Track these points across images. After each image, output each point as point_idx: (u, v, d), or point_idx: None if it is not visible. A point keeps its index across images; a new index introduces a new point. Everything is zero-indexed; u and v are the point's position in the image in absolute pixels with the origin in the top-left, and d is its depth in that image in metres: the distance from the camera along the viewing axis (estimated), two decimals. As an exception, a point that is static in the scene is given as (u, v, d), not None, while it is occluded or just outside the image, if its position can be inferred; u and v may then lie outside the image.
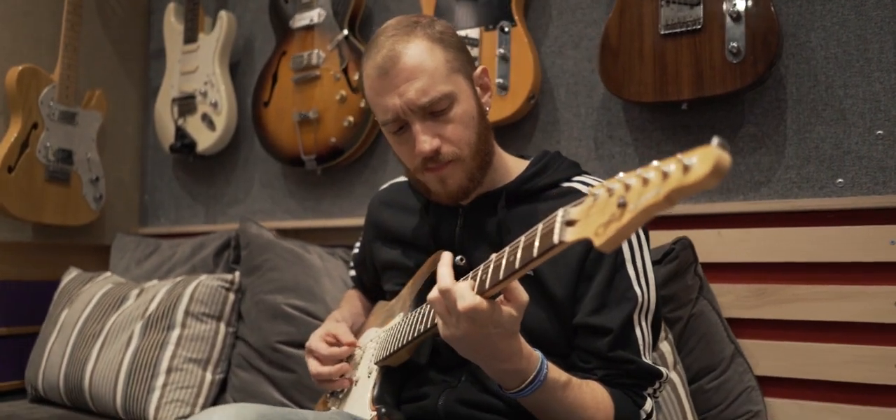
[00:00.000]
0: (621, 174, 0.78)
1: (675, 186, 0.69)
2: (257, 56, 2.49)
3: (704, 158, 0.64)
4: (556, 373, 1.06)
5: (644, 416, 1.17)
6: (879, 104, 1.51)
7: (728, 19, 1.54)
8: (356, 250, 1.64)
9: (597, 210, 0.80)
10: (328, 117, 2.15)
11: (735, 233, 1.60)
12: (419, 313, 1.17)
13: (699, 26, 1.57)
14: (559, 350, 1.19)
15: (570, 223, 0.84)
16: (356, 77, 2.10)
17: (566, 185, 1.27)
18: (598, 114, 1.83)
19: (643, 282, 1.19)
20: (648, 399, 1.17)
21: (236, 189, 2.52)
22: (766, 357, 1.54)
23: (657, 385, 1.18)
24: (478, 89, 1.25)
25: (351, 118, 2.10)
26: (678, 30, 1.59)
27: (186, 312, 1.91)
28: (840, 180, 1.53)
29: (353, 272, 1.67)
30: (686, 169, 0.66)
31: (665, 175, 0.70)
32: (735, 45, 1.52)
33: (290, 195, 2.38)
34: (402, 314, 1.30)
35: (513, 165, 1.31)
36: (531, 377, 1.03)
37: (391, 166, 2.16)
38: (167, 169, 2.71)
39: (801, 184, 1.58)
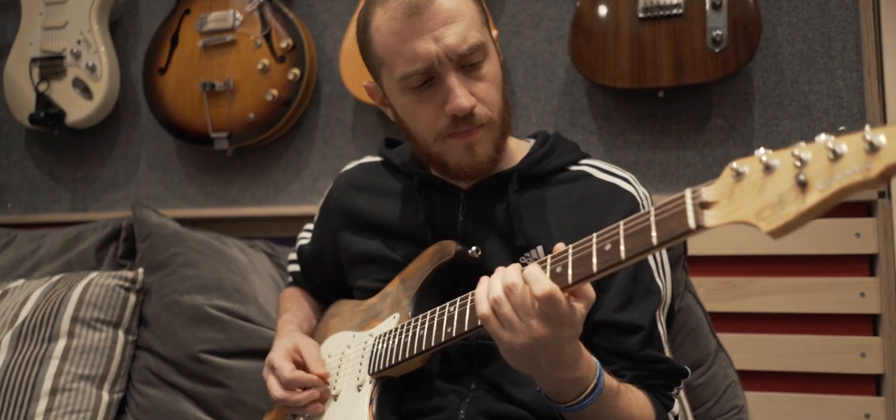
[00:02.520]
0: (764, 151, 0.68)
1: (892, 162, 0.59)
2: (144, 15, 2.12)
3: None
4: (609, 379, 0.94)
5: (672, 418, 1.08)
6: (842, 100, 1.56)
7: (708, 6, 1.51)
8: (303, 241, 1.40)
9: (748, 189, 0.69)
10: (245, 89, 1.86)
11: (705, 225, 1.57)
12: (444, 315, 0.99)
13: (680, 12, 1.52)
14: None
15: (704, 205, 0.72)
16: (282, 45, 1.83)
17: (574, 168, 1.15)
18: (560, 99, 1.73)
19: (662, 274, 1.11)
20: (675, 400, 1.09)
21: (115, 171, 2.12)
22: (738, 350, 1.53)
23: (682, 384, 1.10)
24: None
25: (275, 92, 1.83)
26: (657, 14, 1.53)
27: (74, 319, 1.54)
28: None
29: (294, 267, 1.43)
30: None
31: (872, 147, 0.60)
32: (718, 33, 1.49)
33: (189, 179, 2.04)
34: (395, 315, 1.11)
35: (514, 146, 1.17)
36: (591, 387, 0.91)
37: (318, 149, 1.92)
38: (18, 144, 2.23)
39: (769, 177, 1.59)
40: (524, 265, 1.09)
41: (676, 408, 1.08)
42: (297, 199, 1.93)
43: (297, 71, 1.82)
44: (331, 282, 1.34)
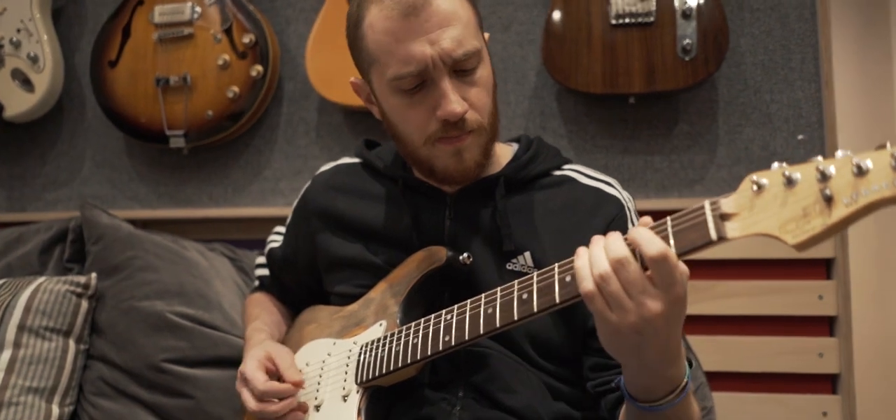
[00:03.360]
0: (778, 165, 0.69)
1: (920, 179, 0.61)
2: (89, 4, 2.00)
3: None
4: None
5: (703, 412, 1.09)
6: (801, 110, 1.62)
7: (679, 16, 1.54)
8: (274, 244, 1.35)
9: (769, 202, 0.70)
10: (204, 86, 1.78)
11: (672, 230, 1.60)
12: (441, 323, 0.96)
13: (651, 20, 1.54)
14: (563, 356, 1.07)
15: (724, 217, 0.72)
16: (245, 40, 1.76)
17: (558, 173, 1.16)
18: (530, 102, 1.73)
19: None
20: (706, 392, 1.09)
21: (57, 168, 1.99)
22: (703, 352, 1.56)
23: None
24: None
25: (236, 89, 1.76)
26: (628, 21, 1.55)
27: (21, 327, 1.44)
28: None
29: (262, 271, 1.38)
30: None
31: (897, 161, 0.62)
32: (688, 42, 1.52)
33: (140, 178, 1.94)
34: (382, 323, 1.08)
35: (498, 150, 1.16)
36: (682, 385, 0.83)
37: (280, 149, 1.86)
38: (-55, 139, 2.07)
39: (732, 182, 1.63)
40: (510, 271, 1.08)
41: (711, 402, 1.08)
42: (257, 200, 1.87)
43: (260, 68, 1.75)
44: (304, 287, 1.29)
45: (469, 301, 0.94)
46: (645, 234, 0.73)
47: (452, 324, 0.95)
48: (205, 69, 1.78)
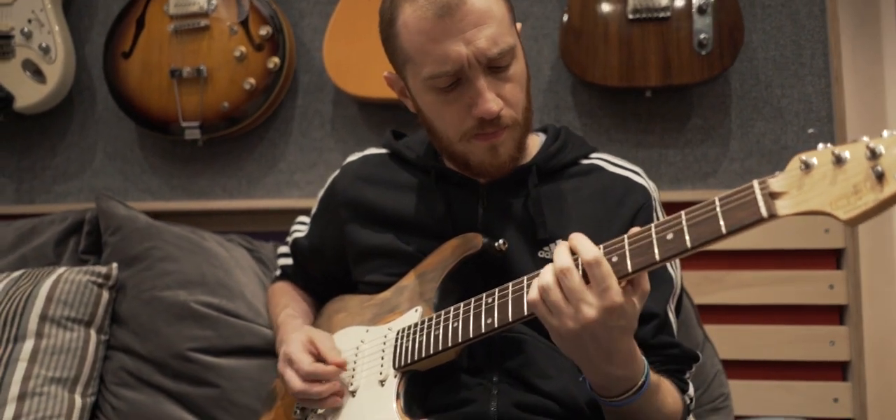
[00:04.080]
0: (830, 145, 0.72)
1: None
2: (100, -5, 1.99)
3: None
4: (654, 375, 0.96)
5: (689, 401, 1.12)
6: (811, 105, 1.65)
7: (695, 10, 1.57)
8: (299, 234, 1.36)
9: (819, 181, 0.73)
10: (220, 77, 1.78)
11: (686, 221, 1.64)
12: (482, 306, 0.98)
13: (668, 14, 1.57)
14: None
15: (773, 195, 0.75)
16: (261, 33, 1.76)
17: (585, 162, 1.18)
18: (545, 96, 1.76)
19: (674, 264, 1.14)
20: (690, 383, 1.13)
21: (67, 160, 1.98)
22: (716, 340, 1.60)
23: (693, 368, 1.14)
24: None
25: (252, 81, 1.76)
26: (645, 16, 1.58)
27: (43, 317, 1.43)
28: (778, 173, 1.65)
29: (285, 261, 1.39)
30: None
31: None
32: (704, 36, 1.55)
33: (153, 171, 1.93)
34: (417, 309, 1.10)
35: (528, 140, 1.18)
36: (640, 383, 0.92)
37: (295, 141, 1.86)
38: (-48, 130, 2.05)
39: (745, 175, 1.67)
40: (542, 258, 1.10)
41: (691, 391, 1.12)
42: (272, 192, 1.87)
43: (277, 59, 1.76)
44: (330, 277, 1.30)
45: (510, 283, 0.96)
46: (582, 242, 0.83)
47: (494, 306, 0.97)
48: (221, 61, 1.78)
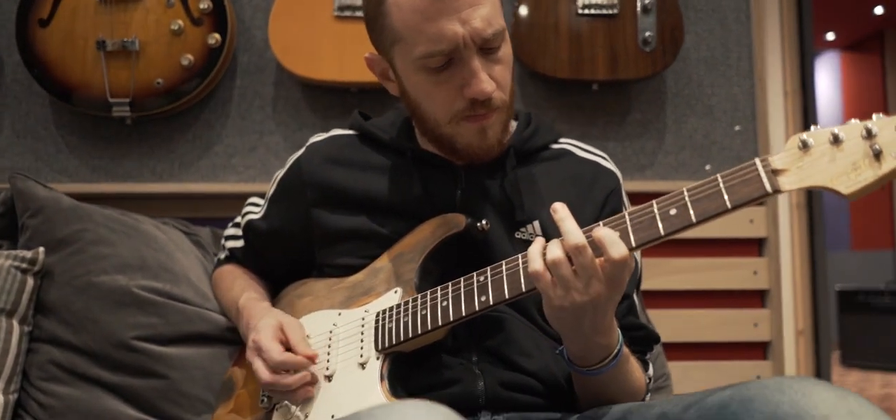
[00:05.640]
0: (817, 127, 0.79)
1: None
2: (8, -44, 1.82)
3: None
4: (625, 347, 1.00)
5: (649, 380, 1.18)
6: (737, 104, 1.78)
7: (639, 9, 1.65)
8: (253, 216, 1.30)
9: (818, 158, 0.79)
10: (154, 52, 1.67)
11: (625, 211, 1.72)
12: (473, 285, 0.99)
13: (615, 12, 1.64)
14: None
15: (775, 172, 0.81)
16: (201, 7, 1.67)
17: (555, 146, 1.22)
18: (492, 86, 1.78)
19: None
20: (650, 364, 1.19)
21: (-33, 137, 1.79)
22: (655, 324, 1.69)
23: (653, 349, 1.20)
24: None
25: (191, 57, 1.67)
26: (594, 12, 1.64)
27: (-41, 306, 1.29)
28: (708, 166, 1.77)
29: (236, 243, 1.33)
30: None
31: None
32: (649, 34, 1.63)
33: (70, 150, 1.78)
34: (396, 290, 1.09)
35: None
36: (615, 352, 0.96)
37: (233, 123, 1.78)
38: None
39: (678, 168, 1.77)
40: (520, 239, 1.12)
41: (651, 370, 1.18)
42: (207, 175, 1.78)
43: (217, 36, 1.67)
44: (289, 261, 1.26)
45: (504, 262, 0.97)
46: (611, 237, 0.85)
47: (488, 284, 0.97)
48: (155, 34, 1.67)
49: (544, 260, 0.87)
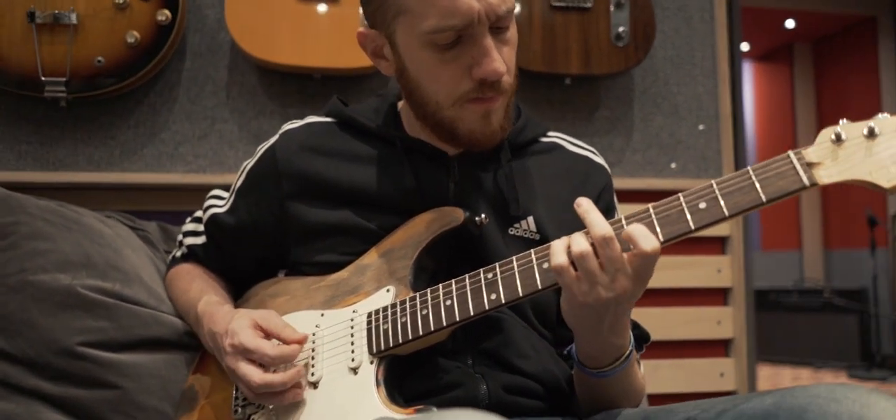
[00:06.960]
0: (846, 121, 0.78)
1: None
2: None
3: None
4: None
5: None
6: (702, 103, 1.80)
7: (613, 5, 1.63)
8: (216, 210, 1.19)
9: (853, 152, 0.77)
10: (95, 27, 1.51)
11: (592, 208, 1.71)
12: (481, 282, 0.93)
13: (589, 5, 1.62)
14: (548, 320, 1.09)
15: (810, 165, 0.79)
16: (149, -21, 1.53)
17: (545, 140, 1.18)
18: (461, 78, 1.72)
19: None
20: (641, 364, 1.17)
21: None
22: (622, 323, 1.68)
23: (644, 348, 1.18)
24: None
25: (137, 35, 1.52)
26: (568, 5, 1.61)
27: None
28: (673, 164, 1.77)
29: (195, 240, 1.22)
30: None
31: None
32: (622, 29, 1.62)
33: (-6, 134, 1.60)
34: (388, 289, 1.01)
35: None
36: (626, 354, 0.93)
37: (182, 108, 1.64)
38: None
39: (645, 165, 1.77)
40: (514, 236, 1.07)
41: (643, 369, 1.15)
42: (152, 165, 1.63)
43: (167, 12, 1.53)
44: (257, 259, 1.16)
45: (515, 258, 0.92)
46: (643, 231, 0.82)
47: (498, 281, 0.91)
48: (96, 7, 1.51)
49: (569, 254, 0.82)
